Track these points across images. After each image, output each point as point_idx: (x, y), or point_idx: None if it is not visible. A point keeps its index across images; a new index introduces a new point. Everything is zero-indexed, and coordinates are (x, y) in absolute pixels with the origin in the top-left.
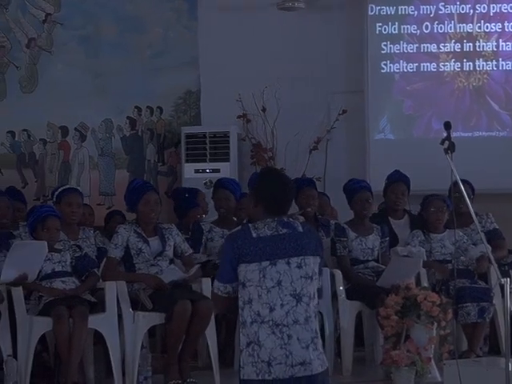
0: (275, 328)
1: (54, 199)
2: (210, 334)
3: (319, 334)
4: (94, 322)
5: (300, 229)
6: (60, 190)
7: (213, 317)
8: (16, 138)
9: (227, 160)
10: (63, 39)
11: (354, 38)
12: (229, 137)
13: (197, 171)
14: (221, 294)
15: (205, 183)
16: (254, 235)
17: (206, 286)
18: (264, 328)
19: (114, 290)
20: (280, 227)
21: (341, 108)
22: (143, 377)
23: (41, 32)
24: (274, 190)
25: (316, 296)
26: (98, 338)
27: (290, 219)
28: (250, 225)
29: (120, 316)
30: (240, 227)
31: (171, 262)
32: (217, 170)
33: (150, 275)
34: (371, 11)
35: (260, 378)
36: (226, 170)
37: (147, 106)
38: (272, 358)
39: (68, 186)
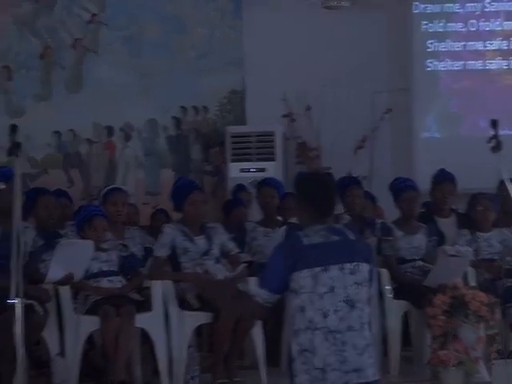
0: (329, 334)
1: (100, 199)
2: (257, 333)
3: (373, 342)
4: (141, 320)
5: (351, 236)
6: (105, 189)
7: None
8: (62, 138)
9: (272, 159)
10: (108, 40)
11: (399, 36)
12: (274, 136)
13: (242, 170)
14: (262, 302)
15: (250, 182)
16: (305, 242)
17: (253, 286)
18: (317, 335)
19: (160, 289)
20: (331, 234)
21: (386, 106)
22: (190, 376)
23: (86, 32)
24: (316, 196)
25: (368, 302)
26: (145, 337)
27: (341, 226)
28: (300, 233)
29: (167, 315)
30: (285, 229)
31: (217, 261)
32: (262, 170)
33: (196, 274)
34: (416, 9)
35: None
36: (272, 169)
37: (192, 106)
38: (326, 364)
39: (113, 186)
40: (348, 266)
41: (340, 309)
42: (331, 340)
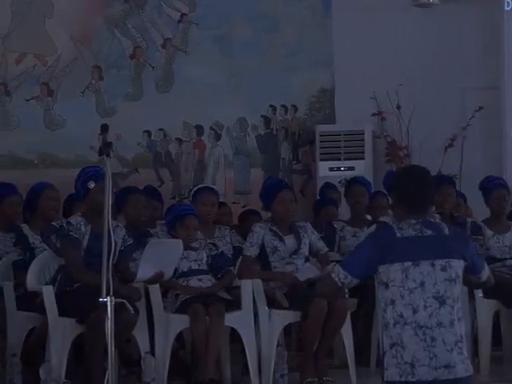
0: (418, 330)
1: (191, 198)
2: (346, 332)
3: (465, 339)
4: (231, 319)
5: (446, 231)
6: (195, 189)
7: (349, 315)
8: (152, 138)
9: (362, 158)
10: (198, 39)
11: (489, 34)
12: (363, 135)
13: (331, 169)
14: (337, 280)
15: (339, 181)
16: (398, 235)
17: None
18: (407, 330)
19: (249, 288)
20: (425, 229)
21: (476, 105)
22: (279, 374)
23: (176, 32)
24: (414, 189)
25: (459, 299)
26: (235, 336)
27: (437, 220)
28: (394, 225)
29: (256, 314)
30: (376, 225)
31: (306, 260)
32: (351, 168)
33: (285, 273)
34: (507, 6)
35: (403, 379)
36: (361, 168)
37: (282, 105)
38: (415, 359)
39: (203, 185)
40: (439, 261)
41: (429, 305)
42: (420, 335)
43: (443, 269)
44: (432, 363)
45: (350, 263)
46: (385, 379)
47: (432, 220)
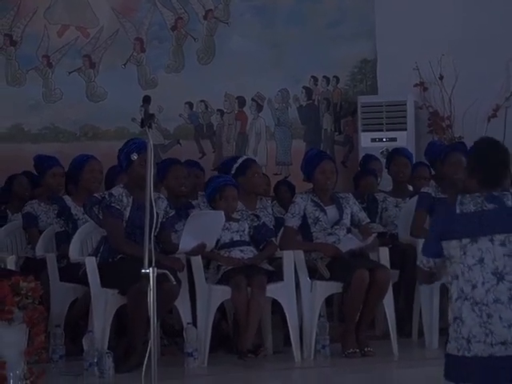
0: (475, 306)
1: (233, 171)
2: (388, 302)
3: None
4: (272, 290)
5: (510, 203)
6: (239, 161)
7: (390, 285)
8: (194, 109)
9: (404, 129)
10: (240, 10)
11: None
12: (405, 105)
13: (373, 140)
14: (423, 266)
15: (381, 152)
16: (458, 211)
17: (383, 255)
18: (466, 305)
19: (291, 259)
20: (486, 203)
21: None
22: (321, 345)
23: (218, 3)
24: (490, 163)
25: None
26: (276, 307)
27: (504, 192)
28: (458, 198)
29: (298, 285)
30: (418, 196)
31: (348, 230)
32: (393, 139)
33: (327, 244)
34: None
35: (460, 354)
36: (403, 138)
37: (323, 76)
38: (471, 335)
39: (245, 157)
40: (498, 237)
41: (488, 281)
42: (477, 311)
43: (502, 244)
44: (488, 340)
45: (425, 246)
46: (446, 351)
47: (496, 193)
